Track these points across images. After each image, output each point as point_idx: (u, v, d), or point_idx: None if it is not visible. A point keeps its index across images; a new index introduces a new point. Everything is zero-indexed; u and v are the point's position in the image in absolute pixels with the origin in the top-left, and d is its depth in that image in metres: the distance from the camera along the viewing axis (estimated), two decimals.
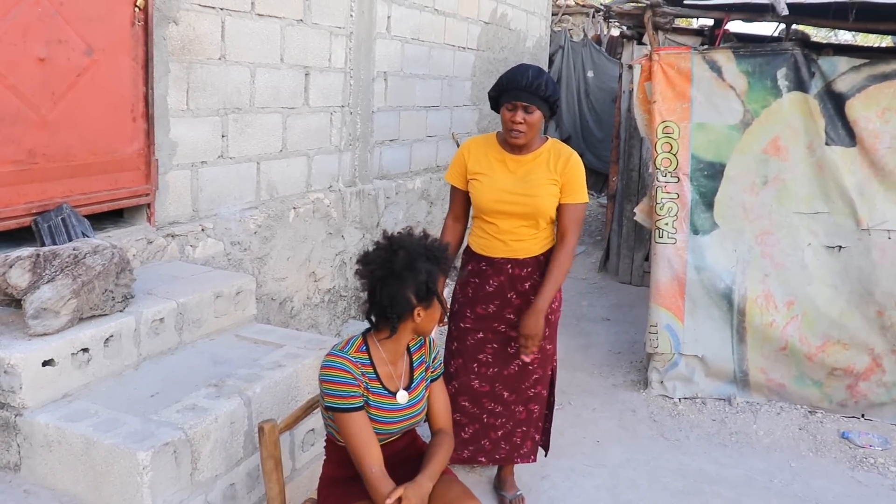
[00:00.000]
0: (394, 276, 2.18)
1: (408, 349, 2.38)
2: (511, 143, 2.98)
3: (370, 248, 2.28)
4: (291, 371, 2.82)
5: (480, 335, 3.14)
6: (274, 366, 2.83)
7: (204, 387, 2.61)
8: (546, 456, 3.58)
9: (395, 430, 2.31)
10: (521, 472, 3.58)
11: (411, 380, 2.36)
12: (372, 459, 2.14)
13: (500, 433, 3.26)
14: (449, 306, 3.18)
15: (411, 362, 2.38)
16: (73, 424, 2.29)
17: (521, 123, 2.89)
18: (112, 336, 2.65)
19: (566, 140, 10.48)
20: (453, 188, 3.18)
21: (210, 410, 2.45)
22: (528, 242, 3.06)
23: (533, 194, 2.97)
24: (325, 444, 2.43)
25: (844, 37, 15.19)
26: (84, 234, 2.94)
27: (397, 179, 5.68)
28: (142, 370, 2.77)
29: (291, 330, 3.44)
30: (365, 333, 2.32)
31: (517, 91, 2.86)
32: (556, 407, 4.34)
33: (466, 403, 3.19)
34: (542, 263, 3.09)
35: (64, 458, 2.29)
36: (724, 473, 3.73)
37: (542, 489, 3.51)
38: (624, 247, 7.00)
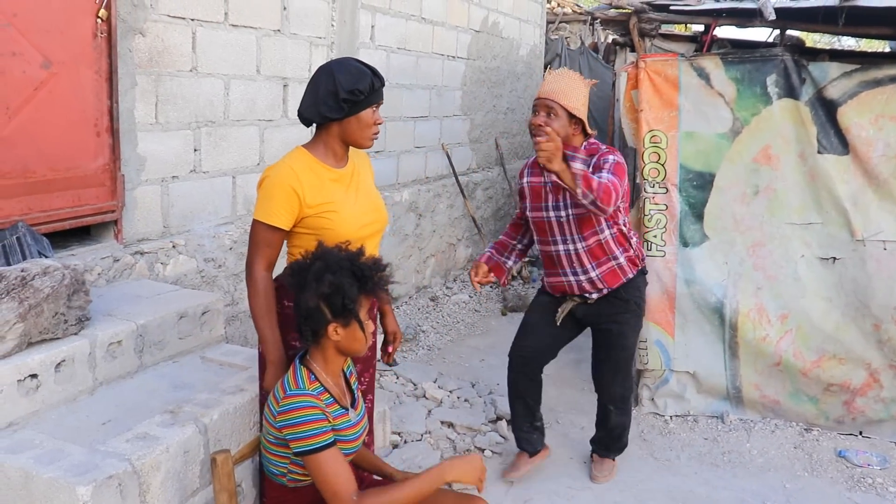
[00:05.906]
0: (303, 287, 2.08)
1: None
2: (366, 146, 2.53)
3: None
4: (253, 395, 2.70)
5: None
6: (235, 390, 2.71)
7: (159, 413, 2.49)
8: None
9: (358, 446, 2.23)
10: (503, 497, 3.45)
11: (353, 396, 2.30)
12: (352, 486, 2.00)
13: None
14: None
15: (345, 376, 2.31)
16: (13, 456, 2.17)
17: (381, 122, 2.53)
18: (64, 361, 2.53)
19: None
20: (271, 230, 2.39)
21: (162, 439, 2.33)
22: None
23: (379, 206, 2.65)
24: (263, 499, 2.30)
25: (848, 42, 15.05)
26: (41, 254, 2.83)
27: (384, 192, 5.56)
28: (97, 396, 2.65)
29: None
30: (302, 361, 2.18)
31: (381, 89, 2.49)
32: (545, 426, 4.22)
33: None
34: None
35: (2, 492, 2.17)
36: (715, 496, 3.58)
37: None
38: None
